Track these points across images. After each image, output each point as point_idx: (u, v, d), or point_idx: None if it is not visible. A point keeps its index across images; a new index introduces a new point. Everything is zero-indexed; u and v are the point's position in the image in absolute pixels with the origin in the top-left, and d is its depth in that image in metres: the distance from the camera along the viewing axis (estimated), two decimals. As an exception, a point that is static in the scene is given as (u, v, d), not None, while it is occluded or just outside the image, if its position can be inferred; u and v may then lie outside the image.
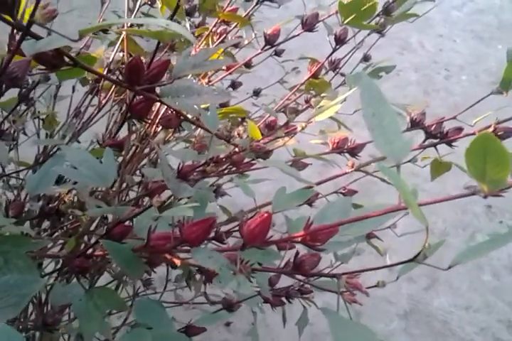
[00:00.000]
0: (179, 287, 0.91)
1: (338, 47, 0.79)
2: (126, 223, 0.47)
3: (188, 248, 0.42)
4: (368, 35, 0.92)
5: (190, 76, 0.82)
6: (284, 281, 0.85)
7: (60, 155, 0.47)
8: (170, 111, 0.58)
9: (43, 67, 0.37)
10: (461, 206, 1.65)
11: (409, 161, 0.91)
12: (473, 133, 0.67)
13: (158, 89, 0.51)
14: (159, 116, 0.60)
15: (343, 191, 0.90)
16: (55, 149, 0.75)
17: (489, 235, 0.43)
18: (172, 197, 0.68)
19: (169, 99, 0.50)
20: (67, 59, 0.37)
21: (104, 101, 0.94)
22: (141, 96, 0.52)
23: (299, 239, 0.38)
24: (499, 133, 0.65)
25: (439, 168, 0.75)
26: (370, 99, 0.38)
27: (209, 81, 0.81)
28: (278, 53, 1.17)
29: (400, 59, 2.33)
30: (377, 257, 1.37)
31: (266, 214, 0.37)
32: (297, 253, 0.42)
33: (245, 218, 0.39)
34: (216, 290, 0.93)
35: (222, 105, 0.93)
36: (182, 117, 0.56)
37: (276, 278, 0.84)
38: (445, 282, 1.42)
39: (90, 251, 0.49)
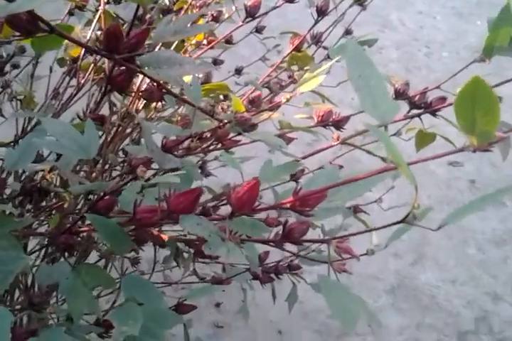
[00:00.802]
0: (167, 268, 0.90)
1: (319, 18, 0.78)
2: (111, 197, 0.46)
3: (175, 220, 0.41)
4: (350, 6, 0.91)
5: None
6: (273, 258, 0.85)
7: (40, 129, 0.46)
8: (152, 84, 0.57)
9: (17, 34, 0.36)
10: (445, 181, 1.67)
11: (394, 134, 0.91)
12: (451, 104, 0.66)
13: (138, 60, 0.50)
14: (141, 90, 0.58)
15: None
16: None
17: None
18: (157, 174, 0.67)
19: (150, 70, 0.49)
20: (43, 25, 0.36)
21: (82, 82, 0.92)
22: (121, 68, 0.50)
23: (288, 205, 0.37)
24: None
25: (423, 139, 0.75)
26: (356, 62, 0.37)
27: (189, 56, 0.79)
28: (259, 30, 1.15)
29: (381, 36, 2.31)
30: (363, 235, 1.38)
31: (253, 181, 0.37)
32: (286, 221, 0.42)
33: (233, 187, 0.38)
34: (206, 270, 0.93)
35: (205, 82, 0.92)
36: (164, 90, 0.55)
37: (265, 254, 0.84)
38: (431, 257, 1.44)
39: (76, 227, 0.48)
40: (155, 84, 0.54)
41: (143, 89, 0.58)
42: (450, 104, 0.67)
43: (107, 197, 0.43)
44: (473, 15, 2.42)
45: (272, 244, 0.42)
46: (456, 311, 1.32)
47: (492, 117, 0.24)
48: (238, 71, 1.20)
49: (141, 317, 0.43)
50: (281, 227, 0.53)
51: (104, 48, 0.42)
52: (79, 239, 0.48)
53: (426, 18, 2.44)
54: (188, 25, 0.49)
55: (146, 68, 0.49)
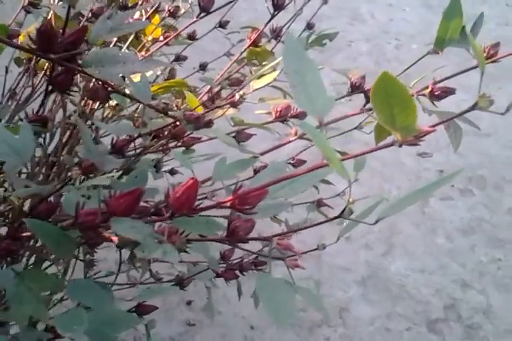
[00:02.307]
0: (131, 268, 0.89)
1: (276, 13, 0.77)
2: (53, 200, 0.44)
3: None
4: (309, 0, 0.90)
5: (125, 48, 0.79)
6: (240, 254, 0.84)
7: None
8: (97, 83, 0.55)
9: None
10: (414, 173, 1.68)
11: (355, 128, 0.91)
12: (412, 95, 0.67)
13: (80, 59, 0.49)
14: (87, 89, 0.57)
15: (292, 161, 0.89)
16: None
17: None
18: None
19: (92, 69, 0.48)
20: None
21: (39, 81, 0.90)
22: (62, 68, 0.49)
23: (228, 204, 0.37)
24: (436, 93, 0.65)
25: (382, 132, 0.75)
26: (292, 57, 0.36)
27: (147, 51, 0.78)
28: (222, 25, 1.14)
29: (351, 30, 2.32)
30: (333, 226, 1.39)
31: (191, 181, 0.36)
32: (230, 219, 0.41)
33: (172, 186, 0.38)
34: (170, 269, 0.92)
35: (169, 79, 0.91)
36: (111, 89, 0.54)
37: (229, 251, 0.84)
38: (401, 247, 1.45)
39: (18, 232, 0.47)
40: (100, 82, 0.52)
41: (87, 88, 0.57)
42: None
43: (45, 200, 0.42)
44: (442, 7, 2.43)
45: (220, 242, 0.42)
46: (426, 300, 1.34)
47: (409, 112, 0.24)
48: (203, 67, 1.18)
49: (86, 322, 0.42)
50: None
51: (38, 48, 0.41)
52: (24, 243, 0.47)
53: (395, 11, 2.45)
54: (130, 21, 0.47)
55: (88, 67, 0.48)
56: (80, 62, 0.48)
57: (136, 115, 0.81)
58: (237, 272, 0.82)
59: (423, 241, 1.47)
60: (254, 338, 1.26)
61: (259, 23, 1.08)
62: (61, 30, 0.44)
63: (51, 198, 0.47)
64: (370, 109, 0.70)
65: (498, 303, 1.34)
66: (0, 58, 0.95)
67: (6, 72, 0.97)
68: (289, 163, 0.90)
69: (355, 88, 0.69)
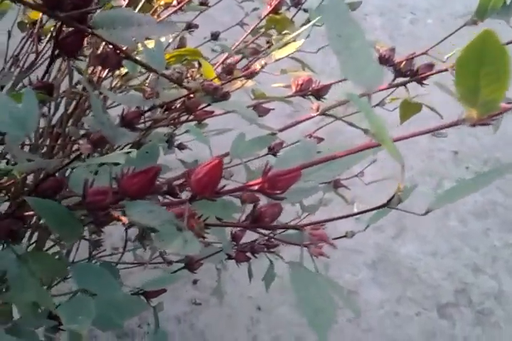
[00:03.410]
0: (138, 247, 0.85)
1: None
2: (59, 177, 0.40)
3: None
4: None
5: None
6: (251, 235, 0.81)
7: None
8: (108, 48, 0.50)
9: None
10: (427, 153, 1.63)
11: (377, 105, 0.86)
12: (446, 70, 0.62)
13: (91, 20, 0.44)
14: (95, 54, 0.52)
15: (310, 138, 0.84)
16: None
17: (457, 181, 0.39)
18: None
19: (103, 31, 0.43)
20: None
21: (43, 47, 0.84)
22: (70, 30, 0.44)
23: (256, 188, 0.32)
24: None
25: (408, 109, 0.70)
26: (335, 18, 0.31)
27: (158, 17, 0.72)
28: (236, -8, 1.08)
29: (364, 2, 2.24)
30: (345, 208, 1.35)
31: (215, 161, 0.32)
32: (255, 204, 0.37)
33: (194, 166, 0.33)
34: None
35: (179, 48, 0.85)
36: (122, 54, 0.49)
37: (240, 232, 0.80)
38: (412, 230, 1.42)
39: (22, 211, 0.43)
40: (111, 47, 0.47)
41: (96, 53, 0.52)
42: (439, 72, 0.62)
43: (51, 176, 0.38)
44: (459, -20, 2.34)
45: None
46: (437, 284, 1.31)
47: (500, 85, 0.19)
48: (214, 36, 1.12)
49: (93, 311, 0.38)
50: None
51: (44, 4, 0.36)
52: (27, 223, 0.43)
53: (411, -16, 2.36)
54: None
55: (99, 29, 0.43)
56: (89, 23, 0.43)
57: (146, 85, 0.76)
58: (249, 254, 0.79)
59: (435, 224, 1.43)
60: (261, 319, 1.23)
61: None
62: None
63: (57, 174, 0.42)
64: (398, 85, 0.65)
65: (510, 289, 1.31)
66: (2, 22, 0.90)
67: (9, 36, 0.92)
68: (306, 141, 0.86)
69: (384, 61, 0.64)
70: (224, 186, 0.33)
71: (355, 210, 1.03)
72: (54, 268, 0.42)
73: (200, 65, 0.93)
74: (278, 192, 0.32)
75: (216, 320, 1.22)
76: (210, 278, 1.26)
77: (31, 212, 0.41)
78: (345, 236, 0.44)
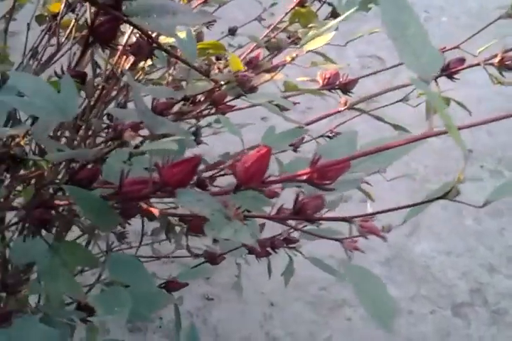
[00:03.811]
0: (156, 241, 0.85)
1: (327, -31, 0.70)
2: (95, 167, 0.39)
3: (169, 193, 0.35)
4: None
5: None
6: (266, 232, 0.80)
7: (9, 87, 0.39)
8: (140, 37, 0.50)
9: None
10: (441, 151, 1.62)
11: (400, 101, 0.85)
12: (478, 64, 0.61)
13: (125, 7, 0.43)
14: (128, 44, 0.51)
15: (330, 134, 0.84)
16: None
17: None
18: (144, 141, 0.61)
19: (138, 19, 0.42)
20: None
21: (63, 40, 0.84)
22: (105, 17, 0.43)
23: (305, 178, 0.31)
24: (507, 63, 0.59)
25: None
26: (390, 3, 0.30)
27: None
28: (255, -14, 1.07)
29: (378, 0, 2.22)
30: (357, 205, 1.34)
31: (264, 149, 0.31)
32: (298, 195, 0.36)
33: (240, 155, 0.32)
34: (197, 243, 0.88)
35: (197, 41, 0.84)
36: (154, 44, 0.48)
37: (261, 227, 0.79)
38: (427, 228, 1.41)
39: (53, 200, 0.42)
40: (144, 37, 0.47)
41: (130, 42, 0.51)
42: (470, 66, 0.61)
43: (89, 166, 0.37)
44: (473, -22, 2.32)
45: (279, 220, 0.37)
46: (452, 283, 1.30)
47: None
48: (232, 31, 1.11)
49: (130, 302, 0.38)
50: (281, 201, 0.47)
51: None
52: (58, 212, 0.42)
53: (426, -18, 2.34)
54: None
55: (134, 17, 0.43)
56: (124, 11, 0.42)
57: (170, 78, 0.75)
58: (269, 249, 0.78)
59: (450, 222, 1.42)
60: (274, 315, 1.23)
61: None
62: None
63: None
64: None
65: (526, 289, 1.30)
66: (21, 14, 0.90)
67: (28, 28, 0.91)
68: (327, 136, 0.85)
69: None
70: (269, 176, 0.32)
71: (369, 208, 1.02)
72: (86, 259, 0.42)
73: (218, 58, 0.93)
74: (327, 182, 0.31)
75: (229, 315, 1.21)
76: (223, 273, 1.25)
77: (65, 202, 0.41)
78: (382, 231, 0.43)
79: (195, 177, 0.51)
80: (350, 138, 0.38)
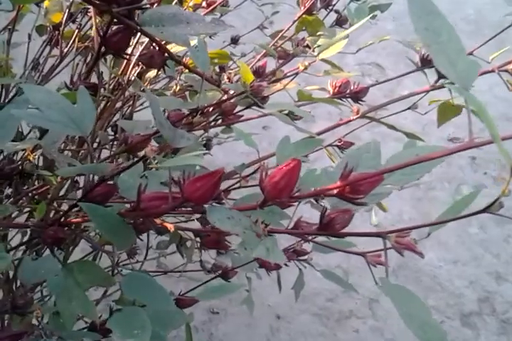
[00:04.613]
0: (163, 254, 0.83)
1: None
2: (111, 183, 0.38)
3: (192, 209, 0.34)
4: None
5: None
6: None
7: (21, 100, 0.37)
8: (152, 47, 0.48)
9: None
10: (445, 159, 1.61)
11: (408, 108, 0.84)
12: (492, 71, 0.60)
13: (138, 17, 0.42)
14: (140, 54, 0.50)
15: (339, 143, 0.82)
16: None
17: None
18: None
19: (152, 28, 0.41)
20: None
21: (65, 51, 0.83)
22: (117, 27, 0.42)
23: (335, 192, 0.30)
24: (523, 70, 0.58)
25: (448, 112, 0.68)
26: (420, 10, 0.29)
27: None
28: (257, -5, 1.06)
29: (376, 8, 2.23)
30: (362, 214, 1.32)
31: (294, 162, 0.29)
32: (325, 210, 0.34)
33: (264, 168, 0.31)
34: (205, 256, 0.86)
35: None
36: (166, 55, 0.46)
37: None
38: (433, 237, 1.38)
39: (64, 218, 0.40)
40: (157, 46, 0.45)
41: (142, 53, 0.49)
42: (484, 73, 0.59)
43: (104, 182, 0.35)
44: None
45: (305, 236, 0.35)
46: (459, 292, 1.28)
47: None
48: (234, 40, 1.10)
49: (149, 324, 0.36)
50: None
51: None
52: (71, 230, 0.41)
53: (422, -11, 2.35)
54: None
55: (147, 26, 0.41)
56: (137, 21, 0.41)
57: (175, 87, 0.74)
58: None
59: (455, 231, 1.41)
60: (281, 328, 1.21)
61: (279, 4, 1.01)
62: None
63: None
64: (441, 87, 0.63)
65: (535, 297, 1.28)
66: (23, 25, 0.88)
67: (29, 39, 0.90)
68: (336, 145, 0.83)
69: (427, 62, 0.62)
70: (298, 190, 0.31)
71: (373, 215, 1.02)
72: (100, 278, 0.40)
73: (221, 68, 0.91)
74: (360, 196, 0.30)
75: (235, 329, 1.19)
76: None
77: (79, 219, 0.39)
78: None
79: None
80: (374, 148, 0.37)
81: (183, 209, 0.36)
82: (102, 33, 0.40)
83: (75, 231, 0.43)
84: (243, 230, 0.27)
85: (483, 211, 0.29)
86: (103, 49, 0.40)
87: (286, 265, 0.78)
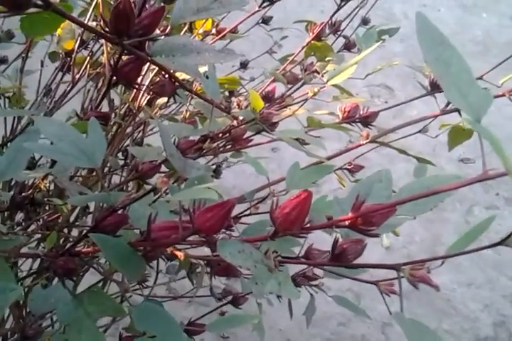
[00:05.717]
0: (173, 279, 0.82)
1: (343, 4, 0.70)
2: (122, 213, 0.38)
3: (202, 240, 0.34)
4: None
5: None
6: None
7: (33, 131, 0.38)
8: (163, 77, 0.49)
9: (4, 11, 0.28)
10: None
11: (419, 131, 0.84)
12: (503, 95, 0.60)
13: (149, 48, 0.42)
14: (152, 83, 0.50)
15: (349, 167, 0.82)
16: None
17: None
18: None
19: (162, 59, 0.41)
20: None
21: (77, 77, 0.84)
22: (128, 57, 0.42)
23: (347, 223, 0.30)
24: (533, 94, 0.58)
25: (458, 135, 0.68)
26: (430, 40, 0.29)
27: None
28: (266, 21, 1.08)
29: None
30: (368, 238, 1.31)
31: (305, 194, 0.29)
32: (336, 240, 0.34)
33: (275, 199, 0.31)
34: (215, 281, 0.85)
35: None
36: (177, 83, 0.47)
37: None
38: (446, 259, 1.37)
39: (75, 246, 0.40)
40: (167, 76, 0.46)
41: (153, 82, 0.50)
42: (495, 97, 0.59)
43: (115, 211, 0.35)
44: (477, 7, 2.35)
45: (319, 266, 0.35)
46: (474, 316, 1.26)
47: None
48: (243, 65, 1.12)
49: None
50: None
51: (111, 30, 0.34)
52: (82, 260, 0.41)
53: (430, 11, 2.37)
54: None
55: (158, 57, 0.42)
56: (147, 51, 0.41)
57: (185, 113, 0.74)
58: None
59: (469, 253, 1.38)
60: (292, 353, 1.19)
61: (290, 23, 1.02)
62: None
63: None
64: (452, 111, 0.63)
65: (552, 321, 1.25)
66: (35, 52, 0.90)
67: (42, 66, 0.92)
68: (346, 169, 0.83)
69: (436, 86, 0.62)
70: (310, 221, 0.31)
71: (385, 238, 1.01)
72: (111, 309, 0.40)
73: (230, 92, 0.92)
74: (373, 228, 0.29)
75: (246, 354, 1.17)
76: (237, 309, 1.22)
77: (89, 249, 0.39)
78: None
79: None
80: (385, 177, 0.37)
81: (193, 239, 0.36)
82: (113, 64, 0.40)
83: (84, 260, 0.43)
84: (254, 264, 0.27)
85: (499, 243, 0.28)
86: (114, 79, 0.41)
87: (298, 290, 0.77)
